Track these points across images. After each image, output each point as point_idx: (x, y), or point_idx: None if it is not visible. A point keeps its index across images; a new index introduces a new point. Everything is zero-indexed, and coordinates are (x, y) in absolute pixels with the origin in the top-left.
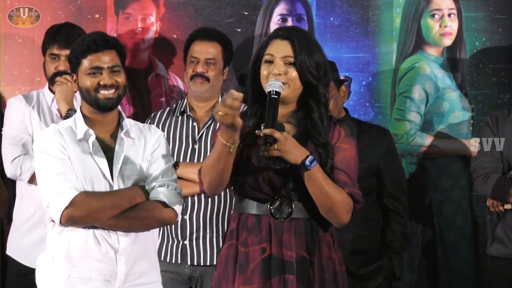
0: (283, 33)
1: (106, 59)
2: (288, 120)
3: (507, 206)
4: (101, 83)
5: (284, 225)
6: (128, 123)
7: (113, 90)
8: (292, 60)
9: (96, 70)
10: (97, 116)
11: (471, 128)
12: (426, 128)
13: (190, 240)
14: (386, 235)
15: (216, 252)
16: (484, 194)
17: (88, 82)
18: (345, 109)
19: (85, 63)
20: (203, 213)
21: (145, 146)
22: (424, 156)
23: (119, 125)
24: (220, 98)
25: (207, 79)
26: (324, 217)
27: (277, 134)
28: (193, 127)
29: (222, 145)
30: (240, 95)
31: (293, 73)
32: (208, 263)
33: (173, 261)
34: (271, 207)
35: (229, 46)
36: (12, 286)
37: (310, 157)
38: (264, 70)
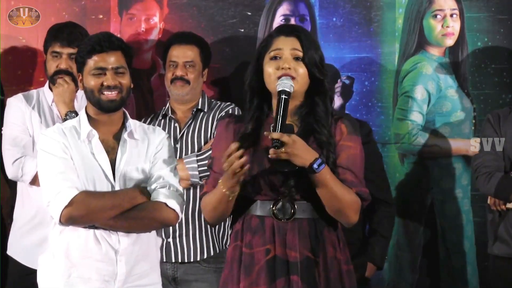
0: (288, 30)
1: (111, 60)
2: (291, 114)
3: (510, 205)
4: (105, 84)
5: (288, 225)
6: (133, 124)
7: (116, 92)
8: (300, 54)
9: (100, 71)
10: (102, 117)
11: (473, 128)
12: (428, 128)
13: (174, 238)
14: (373, 220)
15: (200, 248)
16: (487, 193)
17: (92, 82)
18: None
19: (90, 63)
20: (185, 210)
21: (148, 147)
22: (426, 156)
23: (123, 125)
24: (200, 100)
25: (187, 82)
26: (328, 217)
27: (285, 138)
28: (174, 128)
29: (222, 193)
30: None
31: (301, 68)
32: (192, 260)
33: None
34: (274, 208)
35: (207, 48)
36: (13, 286)
37: (318, 160)
38: (269, 68)
